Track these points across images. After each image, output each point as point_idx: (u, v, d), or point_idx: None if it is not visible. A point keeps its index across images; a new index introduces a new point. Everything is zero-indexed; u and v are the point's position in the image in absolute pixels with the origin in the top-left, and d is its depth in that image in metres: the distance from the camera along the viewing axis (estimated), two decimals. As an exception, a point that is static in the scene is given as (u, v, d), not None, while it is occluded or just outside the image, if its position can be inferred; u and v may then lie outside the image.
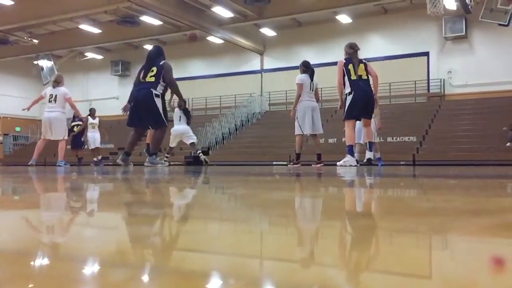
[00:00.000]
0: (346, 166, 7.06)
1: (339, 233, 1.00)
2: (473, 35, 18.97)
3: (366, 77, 7.20)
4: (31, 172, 5.75)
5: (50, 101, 9.53)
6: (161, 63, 7.02)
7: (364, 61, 7.39)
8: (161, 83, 6.94)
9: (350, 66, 7.19)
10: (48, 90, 9.69)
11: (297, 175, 4.54)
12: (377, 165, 8.07)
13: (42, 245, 0.85)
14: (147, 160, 7.34)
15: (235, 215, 1.36)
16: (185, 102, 12.23)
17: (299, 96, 8.24)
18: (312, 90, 8.31)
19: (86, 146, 15.12)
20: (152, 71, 6.93)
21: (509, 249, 0.80)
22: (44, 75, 24.02)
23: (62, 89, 9.65)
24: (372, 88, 7.37)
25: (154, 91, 6.84)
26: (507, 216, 1.22)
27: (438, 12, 12.57)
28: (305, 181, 3.50)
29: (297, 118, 8.27)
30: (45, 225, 1.14)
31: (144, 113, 6.93)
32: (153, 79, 6.89)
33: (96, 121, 15.10)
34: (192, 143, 11.93)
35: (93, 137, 14.84)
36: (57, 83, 9.70)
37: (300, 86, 8.21)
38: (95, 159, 14.91)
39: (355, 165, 7.24)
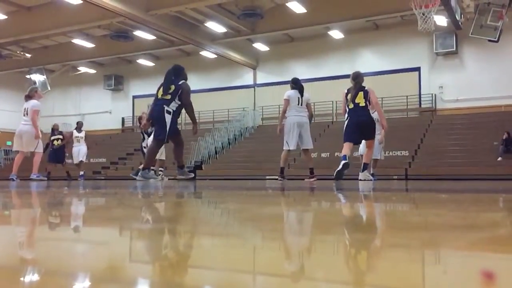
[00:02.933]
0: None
1: (331, 248, 1.00)
2: (463, 51, 19.20)
3: (364, 104, 7.59)
4: (15, 186, 5.70)
5: (24, 115, 9.40)
6: (180, 83, 7.08)
7: (366, 89, 7.70)
8: (176, 101, 6.98)
9: (349, 96, 7.66)
10: (24, 104, 9.57)
11: (289, 189, 4.54)
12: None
13: (31, 261, 0.84)
14: (139, 174, 7.32)
15: (228, 229, 1.36)
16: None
17: (284, 111, 8.48)
18: (301, 105, 8.37)
19: (66, 161, 14.76)
20: (170, 88, 6.99)
21: (500, 263, 0.80)
22: (37, 89, 23.97)
23: (32, 102, 9.33)
24: (372, 114, 7.92)
25: (166, 108, 6.90)
26: (498, 231, 1.23)
27: (429, 28, 12.71)
28: (298, 196, 3.50)
29: (284, 133, 8.39)
30: (34, 241, 1.13)
31: (157, 127, 7.08)
32: (169, 96, 6.96)
33: (82, 134, 14.64)
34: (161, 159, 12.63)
35: (78, 151, 14.41)
36: (29, 97, 9.50)
37: (286, 101, 8.41)
38: (81, 172, 14.55)
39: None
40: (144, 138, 12.43)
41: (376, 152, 9.55)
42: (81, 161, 14.55)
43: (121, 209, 2.25)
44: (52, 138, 14.50)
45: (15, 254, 0.92)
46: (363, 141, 8.53)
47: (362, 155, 9.02)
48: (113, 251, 0.99)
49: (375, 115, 8.77)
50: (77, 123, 15.06)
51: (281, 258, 0.88)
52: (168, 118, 6.88)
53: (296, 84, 8.50)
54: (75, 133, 14.54)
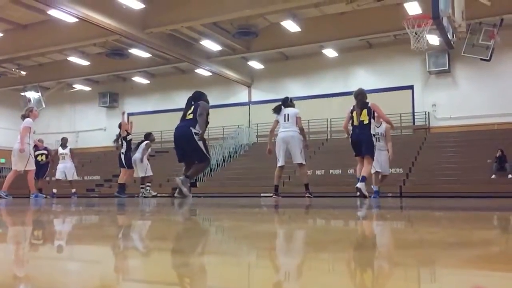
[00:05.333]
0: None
1: (326, 266, 1.00)
2: (456, 70, 19.40)
3: (367, 122, 7.89)
4: (4, 204, 5.65)
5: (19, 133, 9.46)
6: (199, 102, 7.43)
7: (369, 105, 7.96)
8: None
9: (354, 113, 7.99)
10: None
11: (283, 207, 4.52)
12: (365, 196, 8.09)
13: (24, 279, 0.84)
14: (182, 177, 7.49)
15: (223, 248, 1.35)
16: (150, 134, 13.38)
17: (271, 131, 8.87)
18: (287, 120, 8.46)
19: (47, 178, 14.40)
20: (190, 109, 7.35)
21: (492, 281, 0.81)
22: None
23: (25, 120, 9.42)
24: (378, 129, 8.58)
25: (193, 130, 7.13)
26: (491, 248, 1.23)
27: (421, 47, 12.85)
28: (292, 213, 3.49)
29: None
30: (30, 259, 1.12)
31: (187, 150, 7.23)
32: (191, 116, 7.26)
33: (67, 151, 14.12)
34: (142, 177, 12.89)
35: (64, 168, 13.90)
36: (24, 117, 9.55)
37: (275, 122, 8.71)
38: (54, 190, 13.97)
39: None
40: (122, 145, 12.55)
41: (386, 167, 9.74)
42: (71, 181, 14.11)
43: (116, 227, 2.23)
44: (36, 153, 14.16)
45: (6, 273, 0.91)
46: (377, 160, 8.85)
47: (376, 172, 9.29)
48: (106, 270, 0.98)
49: (381, 129, 9.28)
50: (62, 139, 14.57)
51: (276, 276, 0.88)
52: (198, 138, 7.14)
53: (283, 104, 8.71)
54: (60, 150, 14.09)
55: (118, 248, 1.32)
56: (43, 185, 14.10)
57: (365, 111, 7.87)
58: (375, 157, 8.37)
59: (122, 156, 12.52)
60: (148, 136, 13.26)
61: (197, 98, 7.53)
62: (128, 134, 12.67)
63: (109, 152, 25.42)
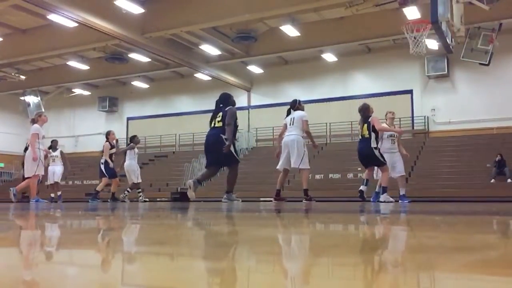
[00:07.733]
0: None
1: (325, 271, 1.00)
2: (455, 74, 19.44)
3: (368, 136, 8.29)
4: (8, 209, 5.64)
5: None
6: (226, 109, 7.49)
7: (370, 120, 8.34)
8: None
9: (359, 127, 8.56)
10: None
11: (283, 211, 4.52)
12: (369, 200, 8.26)
13: (26, 284, 0.84)
14: (225, 196, 7.71)
15: (221, 252, 1.35)
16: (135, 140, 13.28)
17: (279, 135, 8.93)
18: (292, 124, 8.47)
19: (46, 183, 14.32)
20: (219, 116, 7.44)
21: (491, 285, 0.81)
22: (31, 111, 23.86)
23: (32, 127, 9.47)
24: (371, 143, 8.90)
25: (223, 136, 7.27)
26: (490, 253, 1.23)
27: (420, 52, 12.87)
28: (291, 218, 3.49)
29: None
30: (30, 263, 1.12)
31: (217, 156, 7.41)
32: (220, 124, 7.39)
33: (57, 153, 14.00)
34: (134, 183, 12.88)
35: (53, 171, 13.74)
36: (33, 121, 9.58)
37: (284, 125, 8.75)
38: (52, 195, 13.81)
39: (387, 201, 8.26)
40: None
41: (401, 167, 9.69)
42: (57, 182, 13.84)
43: (111, 231, 2.23)
44: None
45: (7, 276, 0.91)
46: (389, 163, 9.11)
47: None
48: (104, 274, 0.98)
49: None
50: (52, 141, 14.33)
51: (275, 282, 0.88)
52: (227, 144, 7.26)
53: (291, 107, 8.74)
54: (51, 153, 13.80)
55: (116, 253, 1.31)
56: (39, 190, 13.99)
57: (365, 126, 8.29)
58: (387, 162, 8.55)
59: (102, 166, 12.62)
60: (132, 138, 13.36)
61: (225, 101, 7.66)
62: (112, 147, 12.81)
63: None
